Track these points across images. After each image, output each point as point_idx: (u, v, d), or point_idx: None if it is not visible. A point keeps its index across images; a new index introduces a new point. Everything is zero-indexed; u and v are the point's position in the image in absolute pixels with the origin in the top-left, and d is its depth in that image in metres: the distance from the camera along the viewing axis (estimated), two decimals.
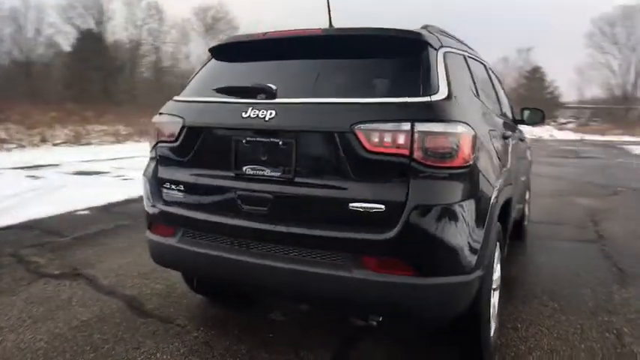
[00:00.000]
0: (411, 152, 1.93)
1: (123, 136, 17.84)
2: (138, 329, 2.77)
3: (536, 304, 3.23)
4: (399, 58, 2.21)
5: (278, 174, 2.17)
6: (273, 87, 2.20)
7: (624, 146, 21.41)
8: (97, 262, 3.94)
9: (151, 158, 2.62)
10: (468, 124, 2.04)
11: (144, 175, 2.63)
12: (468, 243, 2.01)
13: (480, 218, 2.09)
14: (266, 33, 2.45)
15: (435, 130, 1.94)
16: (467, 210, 1.99)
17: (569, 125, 38.02)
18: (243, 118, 2.21)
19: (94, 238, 4.67)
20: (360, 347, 2.64)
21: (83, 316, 2.92)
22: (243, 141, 2.24)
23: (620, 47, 41.07)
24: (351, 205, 1.99)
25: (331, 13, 2.68)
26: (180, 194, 2.42)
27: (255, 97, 2.23)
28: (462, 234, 1.98)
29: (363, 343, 2.68)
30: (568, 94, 44.35)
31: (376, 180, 1.99)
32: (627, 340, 2.73)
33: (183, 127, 2.41)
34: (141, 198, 2.81)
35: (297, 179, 2.12)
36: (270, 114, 2.15)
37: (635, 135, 28.61)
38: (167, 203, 2.47)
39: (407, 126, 1.94)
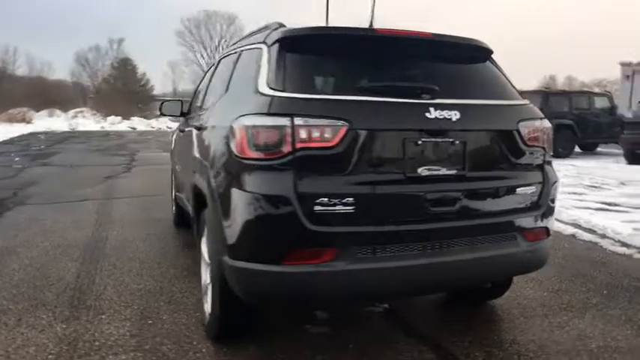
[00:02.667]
0: (543, 142, 2.56)
1: None
2: None
3: None
4: (491, 66, 2.66)
5: (454, 172, 2.29)
6: (436, 87, 2.29)
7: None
8: None
9: (266, 168, 2.08)
10: None
11: (257, 192, 2.06)
12: None
13: None
14: (377, 29, 2.45)
15: (546, 125, 2.61)
16: None
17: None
18: (429, 119, 2.21)
19: None
20: (420, 330, 2.85)
21: None
22: (419, 142, 2.22)
23: (206, 46, 44.50)
24: (517, 190, 2.43)
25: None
26: (349, 208, 2.09)
27: (419, 98, 2.25)
28: None
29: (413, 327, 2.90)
30: (163, 87, 45.65)
31: (527, 167, 2.52)
32: None
33: (348, 131, 2.09)
34: None
35: (468, 174, 2.33)
36: (456, 115, 2.25)
37: None
38: (324, 223, 2.07)
39: (539, 122, 2.56)
